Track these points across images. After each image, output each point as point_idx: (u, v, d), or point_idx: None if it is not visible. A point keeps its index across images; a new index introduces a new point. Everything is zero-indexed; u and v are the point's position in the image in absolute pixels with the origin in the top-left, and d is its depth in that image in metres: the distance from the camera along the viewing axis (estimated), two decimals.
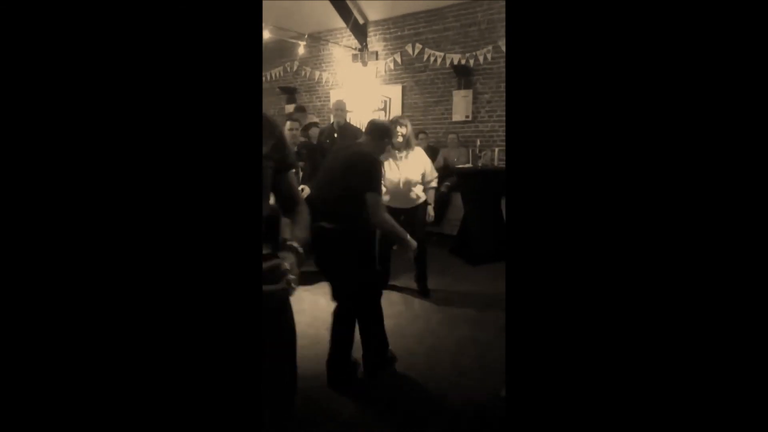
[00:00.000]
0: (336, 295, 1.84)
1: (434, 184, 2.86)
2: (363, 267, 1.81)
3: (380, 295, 1.96)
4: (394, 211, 2.57)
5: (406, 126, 2.52)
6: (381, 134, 1.92)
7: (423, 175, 2.71)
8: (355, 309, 1.86)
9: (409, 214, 2.71)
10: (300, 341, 1.09)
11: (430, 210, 2.88)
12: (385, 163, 2.55)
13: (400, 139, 2.48)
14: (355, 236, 1.75)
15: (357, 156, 1.80)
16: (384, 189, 2.53)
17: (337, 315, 1.84)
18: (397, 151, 2.57)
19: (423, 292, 2.87)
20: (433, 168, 2.84)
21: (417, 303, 2.78)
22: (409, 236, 1.90)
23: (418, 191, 2.71)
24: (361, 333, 1.89)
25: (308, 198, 2.08)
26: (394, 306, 2.69)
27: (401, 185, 2.61)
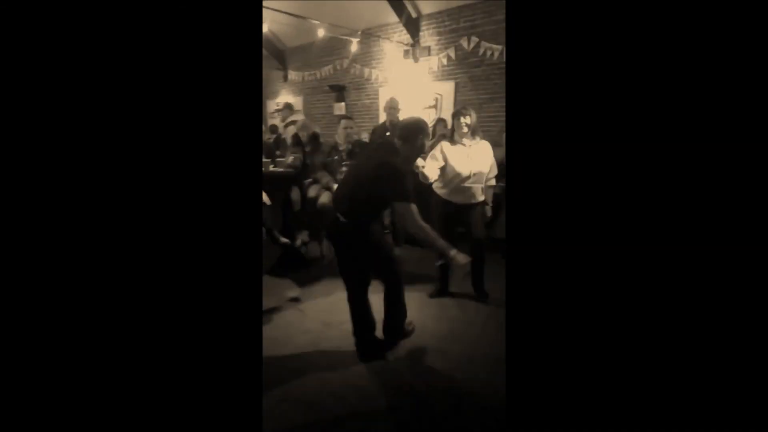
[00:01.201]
0: (344, 278, 1.99)
1: (493, 182, 2.72)
2: (373, 252, 1.90)
3: (395, 266, 2.00)
4: (451, 207, 2.49)
5: (470, 115, 2.42)
6: (414, 133, 1.88)
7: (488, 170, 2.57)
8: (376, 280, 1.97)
9: (467, 213, 2.55)
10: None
11: (488, 209, 2.72)
12: (450, 153, 2.43)
13: (465, 129, 2.39)
14: (367, 230, 1.85)
15: (384, 168, 1.81)
16: (439, 182, 2.47)
17: (349, 300, 2.03)
18: (463, 141, 2.44)
19: (480, 297, 2.69)
20: (495, 165, 2.65)
21: (473, 307, 2.60)
22: (453, 250, 1.77)
23: (479, 188, 2.54)
24: (383, 300, 2.04)
25: (333, 198, 2.10)
26: (447, 310, 2.54)
27: (471, 175, 2.45)
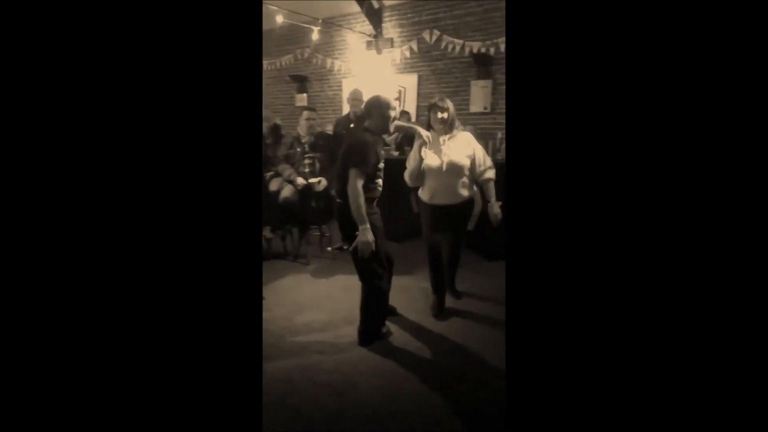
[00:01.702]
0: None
1: (490, 175, 2.30)
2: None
3: (379, 269, 1.98)
4: (437, 209, 2.29)
5: (447, 108, 2.21)
6: (376, 107, 1.95)
7: (473, 162, 2.26)
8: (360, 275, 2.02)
9: (453, 213, 2.29)
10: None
11: (495, 207, 2.27)
12: (425, 150, 2.21)
13: (440, 125, 2.21)
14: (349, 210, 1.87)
15: (348, 139, 2.00)
16: (423, 187, 2.33)
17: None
18: (441, 136, 2.23)
19: (453, 295, 2.63)
20: (487, 155, 2.35)
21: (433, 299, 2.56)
22: (364, 226, 1.84)
23: (465, 185, 2.26)
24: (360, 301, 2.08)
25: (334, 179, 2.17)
26: (416, 302, 2.57)
27: (444, 168, 2.19)
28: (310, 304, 2.57)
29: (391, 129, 2.03)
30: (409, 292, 2.73)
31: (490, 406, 1.62)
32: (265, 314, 2.41)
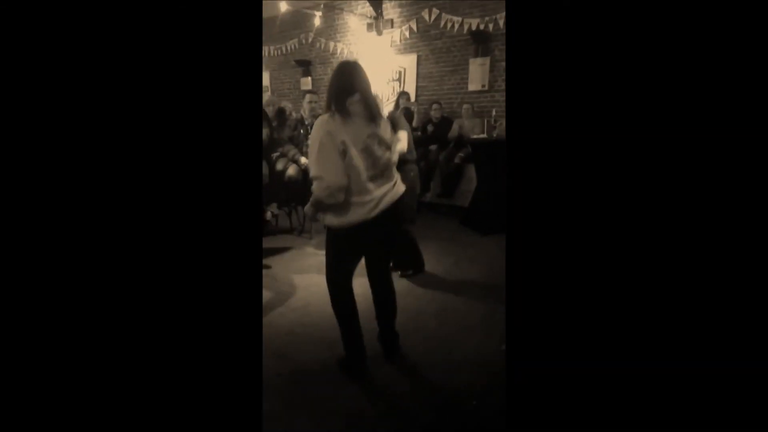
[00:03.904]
0: None
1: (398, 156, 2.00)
2: None
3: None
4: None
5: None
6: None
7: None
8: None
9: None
10: None
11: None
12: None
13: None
14: None
15: None
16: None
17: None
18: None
19: (411, 272, 2.65)
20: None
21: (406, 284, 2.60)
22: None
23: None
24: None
25: None
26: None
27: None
28: (310, 271, 2.84)
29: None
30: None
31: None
32: (267, 280, 2.68)
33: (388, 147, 1.55)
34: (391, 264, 2.04)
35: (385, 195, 1.51)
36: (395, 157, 1.66)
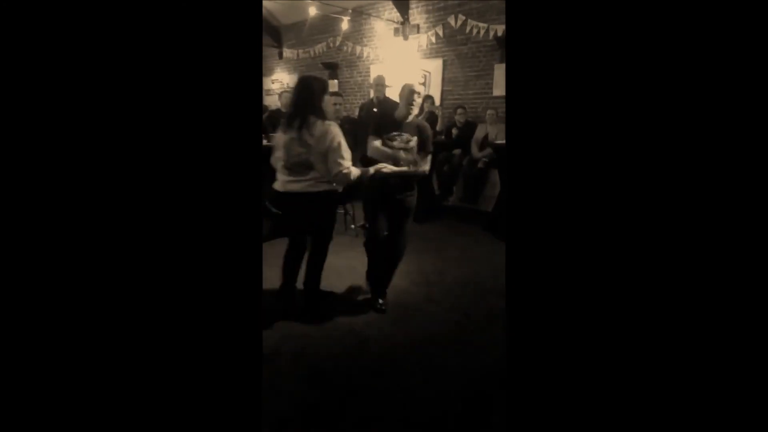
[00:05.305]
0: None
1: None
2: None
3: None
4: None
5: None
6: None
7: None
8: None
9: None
10: None
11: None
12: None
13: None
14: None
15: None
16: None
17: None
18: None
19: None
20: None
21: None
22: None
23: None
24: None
25: None
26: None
27: None
28: (329, 274, 2.90)
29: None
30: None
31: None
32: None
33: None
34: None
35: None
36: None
